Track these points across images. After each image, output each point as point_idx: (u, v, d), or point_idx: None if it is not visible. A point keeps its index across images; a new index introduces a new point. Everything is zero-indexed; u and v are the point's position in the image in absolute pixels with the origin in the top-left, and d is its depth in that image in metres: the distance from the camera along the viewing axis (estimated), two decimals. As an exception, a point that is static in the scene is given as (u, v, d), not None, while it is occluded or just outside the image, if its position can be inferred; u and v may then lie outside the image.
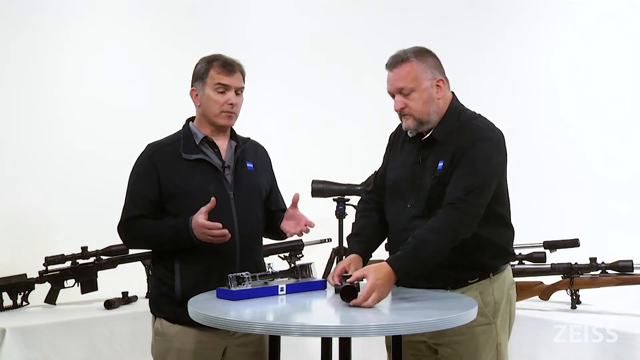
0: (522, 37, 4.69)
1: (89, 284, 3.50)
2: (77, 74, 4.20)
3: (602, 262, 3.16)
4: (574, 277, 3.18)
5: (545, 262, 3.27)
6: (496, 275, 2.34)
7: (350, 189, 3.75)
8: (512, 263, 2.63)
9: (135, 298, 3.55)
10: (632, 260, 3.11)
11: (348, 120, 5.07)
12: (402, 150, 2.44)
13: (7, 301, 3.34)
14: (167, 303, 2.38)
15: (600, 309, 3.18)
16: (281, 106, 4.90)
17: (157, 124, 4.21)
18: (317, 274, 2.46)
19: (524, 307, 3.12)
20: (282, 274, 2.34)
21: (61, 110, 4.13)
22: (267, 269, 2.30)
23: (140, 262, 3.59)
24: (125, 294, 3.50)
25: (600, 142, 4.25)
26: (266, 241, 2.69)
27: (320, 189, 3.71)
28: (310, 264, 2.41)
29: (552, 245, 3.34)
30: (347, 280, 2.12)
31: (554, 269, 3.23)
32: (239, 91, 2.46)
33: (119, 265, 3.54)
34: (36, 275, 3.42)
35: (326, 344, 2.02)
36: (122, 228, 2.45)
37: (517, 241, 2.47)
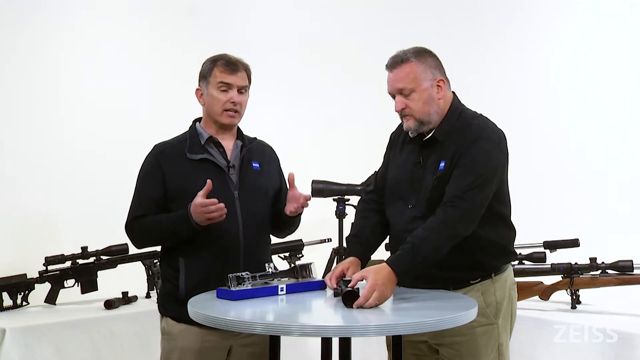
0: (522, 37, 4.69)
1: (89, 284, 3.50)
2: (77, 74, 4.20)
3: (602, 262, 3.16)
4: (574, 277, 3.19)
5: (545, 262, 3.27)
6: (498, 275, 2.34)
7: (350, 189, 3.76)
8: (512, 263, 2.63)
9: (135, 298, 3.55)
10: (632, 260, 3.11)
11: (348, 120, 5.07)
12: (403, 151, 2.44)
13: (7, 301, 3.34)
14: (172, 302, 2.40)
15: (600, 309, 3.18)
16: (281, 106, 4.90)
17: (157, 124, 4.23)
18: (317, 274, 2.46)
19: (524, 307, 3.12)
20: (282, 274, 2.34)
21: (61, 110, 4.13)
22: (267, 268, 2.30)
23: (140, 262, 3.59)
24: (125, 294, 3.50)
25: (600, 142, 4.25)
26: (266, 241, 2.68)
27: (320, 189, 3.71)
28: (310, 264, 2.41)
29: (552, 245, 3.35)
30: (349, 285, 2.12)
31: (554, 269, 3.24)
32: (242, 90, 2.46)
33: (119, 265, 3.54)
34: (36, 275, 3.42)
35: (326, 344, 2.02)
36: (129, 228, 2.47)
37: (517, 241, 2.47)
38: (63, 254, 3.41)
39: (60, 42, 4.16)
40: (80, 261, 3.47)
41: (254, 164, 2.51)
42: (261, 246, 2.52)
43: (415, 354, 2.41)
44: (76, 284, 3.48)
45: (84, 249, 3.44)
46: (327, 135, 5.02)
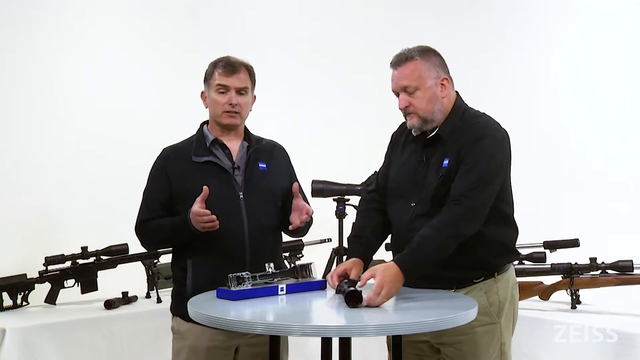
0: (522, 37, 4.69)
1: (89, 284, 3.50)
2: (77, 74, 4.20)
3: (602, 262, 3.16)
4: (574, 277, 3.18)
5: (545, 262, 3.27)
6: (500, 274, 2.34)
7: (350, 189, 3.75)
8: (513, 263, 2.63)
9: (135, 298, 3.55)
10: (632, 260, 3.11)
11: (348, 120, 5.07)
12: (405, 150, 2.45)
13: (7, 301, 3.34)
14: (181, 301, 2.39)
15: (600, 309, 3.18)
16: (281, 106, 4.90)
17: (157, 124, 4.25)
18: (317, 274, 2.47)
19: (524, 307, 3.11)
20: (282, 274, 2.34)
21: (61, 110, 4.13)
22: (267, 268, 2.31)
23: (140, 262, 3.59)
24: (125, 294, 3.50)
25: (600, 142, 4.25)
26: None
27: (320, 189, 3.71)
28: (310, 264, 2.42)
29: (552, 245, 3.34)
30: (357, 285, 2.12)
31: (554, 269, 3.23)
32: (242, 91, 2.48)
33: (119, 265, 3.54)
34: (36, 275, 3.42)
35: (326, 344, 2.02)
36: (137, 231, 2.52)
37: (517, 241, 2.47)
38: (63, 254, 3.41)
39: (60, 42, 4.16)
40: (80, 261, 3.47)
41: (260, 165, 2.52)
42: (269, 246, 2.52)
43: (416, 354, 2.41)
44: (76, 284, 3.48)
45: (84, 249, 3.44)
46: (327, 135, 5.02)
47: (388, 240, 2.53)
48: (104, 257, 3.50)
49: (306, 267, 2.39)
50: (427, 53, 2.34)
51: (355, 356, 2.16)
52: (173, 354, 2.50)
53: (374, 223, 2.48)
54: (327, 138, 5.01)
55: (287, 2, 5.16)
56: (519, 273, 3.21)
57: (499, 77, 4.64)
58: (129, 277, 3.66)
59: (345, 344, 2.11)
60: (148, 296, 3.66)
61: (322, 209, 3.78)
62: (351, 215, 3.75)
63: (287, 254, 3.76)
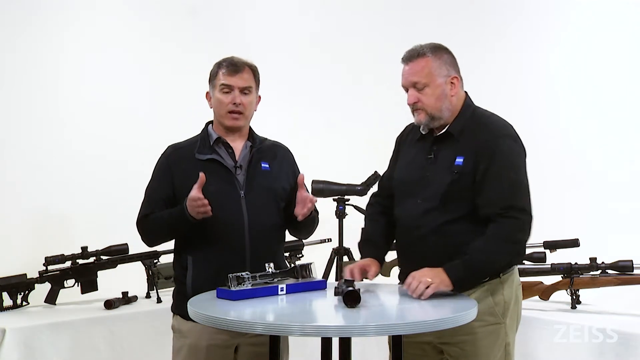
0: (522, 37, 4.69)
1: (89, 284, 3.49)
2: (77, 74, 4.20)
3: (602, 262, 3.16)
4: (574, 277, 3.18)
5: (545, 262, 3.27)
6: (506, 275, 2.34)
7: (350, 189, 3.75)
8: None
9: (135, 298, 3.55)
10: (632, 260, 3.11)
11: (348, 120, 5.07)
12: (412, 149, 2.45)
13: (7, 301, 3.34)
14: (181, 300, 2.41)
15: (600, 309, 3.18)
16: (281, 106, 4.90)
17: (157, 124, 4.25)
18: (317, 274, 2.47)
19: (524, 307, 3.08)
20: (282, 274, 2.34)
21: (61, 110, 4.13)
22: (267, 268, 2.31)
23: (140, 262, 3.59)
24: (125, 294, 3.50)
25: (600, 142, 4.25)
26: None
27: (320, 189, 3.71)
28: (310, 264, 2.42)
29: (552, 245, 3.34)
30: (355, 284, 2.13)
31: (554, 269, 3.23)
32: (245, 90, 2.49)
33: (119, 265, 3.54)
34: (36, 275, 3.42)
35: (326, 344, 2.02)
36: (138, 226, 2.53)
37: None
38: (63, 254, 3.41)
39: (61, 42, 4.16)
40: (80, 261, 3.46)
41: (263, 165, 2.53)
42: (270, 245, 2.52)
43: (418, 354, 2.41)
44: (76, 284, 3.48)
45: (84, 249, 3.44)
46: (327, 135, 5.02)
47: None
48: (104, 257, 3.49)
49: (306, 267, 2.39)
50: (439, 50, 2.35)
51: (355, 356, 2.16)
52: (173, 352, 2.51)
53: (382, 226, 2.50)
54: (327, 138, 5.01)
55: (287, 2, 5.16)
56: (519, 273, 3.21)
57: (499, 77, 4.63)
58: (129, 277, 3.66)
59: (345, 344, 2.11)
60: (148, 296, 3.66)
61: (322, 209, 3.76)
62: (351, 215, 3.75)
63: (287, 254, 3.76)
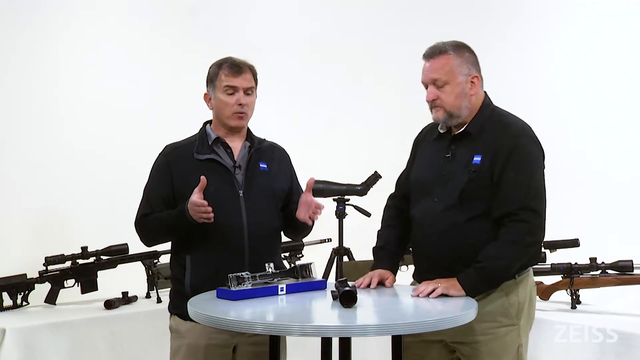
0: (522, 37, 4.69)
1: (89, 284, 3.49)
2: (77, 73, 4.20)
3: (602, 262, 3.16)
4: (574, 277, 3.18)
5: (545, 262, 3.27)
6: (521, 276, 2.33)
7: (350, 189, 3.75)
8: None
9: (135, 298, 3.55)
10: (632, 260, 3.11)
11: (348, 120, 5.07)
12: (429, 148, 2.45)
13: (7, 301, 3.34)
14: (179, 300, 2.41)
15: (600, 309, 3.18)
16: (281, 106, 4.90)
17: (157, 123, 4.25)
18: (317, 274, 2.47)
19: (524, 307, 3.12)
20: (282, 274, 2.34)
21: (61, 110, 4.13)
22: (267, 268, 2.31)
23: (140, 262, 3.59)
24: (125, 294, 3.50)
25: (600, 142, 4.25)
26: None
27: (320, 189, 3.71)
28: (310, 264, 2.42)
29: (552, 245, 3.34)
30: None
31: (554, 269, 3.23)
32: (248, 91, 2.49)
33: (119, 265, 3.54)
34: (36, 275, 3.42)
35: (326, 344, 2.02)
36: (137, 226, 2.52)
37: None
38: (63, 254, 3.41)
39: (60, 42, 4.16)
40: (80, 261, 3.46)
41: (261, 165, 2.53)
42: (268, 245, 2.52)
43: (420, 354, 2.40)
44: (76, 284, 3.48)
45: (84, 249, 3.44)
46: (327, 135, 5.02)
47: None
48: (104, 257, 3.49)
49: (306, 267, 2.40)
50: (461, 49, 2.35)
51: (355, 356, 2.16)
52: (171, 353, 2.50)
53: (399, 232, 2.50)
54: (327, 138, 5.01)
55: (287, 3, 5.16)
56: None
57: (499, 77, 4.59)
58: (129, 277, 3.66)
59: (345, 344, 2.11)
60: (148, 296, 3.66)
61: (322, 209, 3.79)
62: (351, 215, 3.76)
63: (287, 254, 3.76)
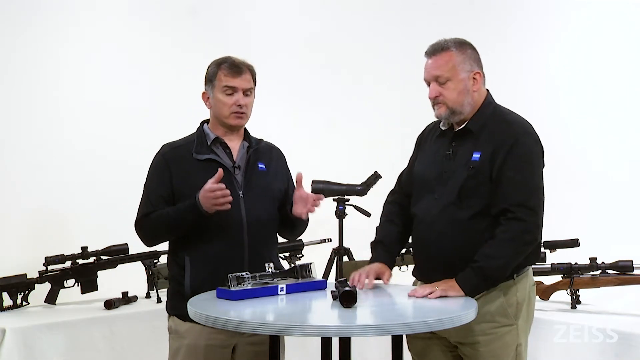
0: (522, 37, 4.69)
1: (89, 284, 3.49)
2: (77, 73, 4.20)
3: (602, 262, 3.16)
4: (574, 277, 3.18)
5: (545, 262, 3.27)
6: (520, 276, 2.33)
7: (350, 189, 3.75)
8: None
9: (135, 298, 3.55)
10: (632, 260, 3.11)
11: (348, 120, 5.07)
12: (432, 146, 2.45)
13: (7, 301, 3.34)
14: (178, 300, 2.40)
15: (600, 309, 3.18)
16: (281, 106, 4.90)
17: (157, 124, 4.25)
18: (317, 274, 2.47)
19: (524, 307, 3.12)
20: (282, 274, 2.34)
21: (61, 110, 4.13)
22: (267, 268, 2.31)
23: (140, 262, 3.59)
24: (125, 294, 3.50)
25: (600, 142, 4.25)
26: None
27: (320, 189, 3.70)
28: (310, 264, 2.42)
29: (552, 245, 3.34)
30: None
31: (554, 269, 3.23)
32: (247, 92, 2.49)
33: (119, 265, 3.54)
34: (36, 275, 3.42)
35: (326, 344, 2.02)
36: (139, 225, 2.49)
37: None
38: (63, 254, 3.41)
39: (60, 42, 4.16)
40: (80, 261, 3.46)
41: (259, 165, 2.53)
42: (267, 246, 2.53)
43: (423, 346, 2.42)
44: (76, 284, 3.48)
45: (84, 249, 3.44)
46: (327, 135, 5.02)
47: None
48: (104, 257, 3.49)
49: (306, 267, 2.39)
50: (463, 45, 2.34)
51: (355, 356, 2.16)
52: (170, 353, 2.49)
53: (399, 228, 2.49)
54: (327, 138, 5.01)
55: (287, 3, 5.16)
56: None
57: (499, 77, 4.59)
58: (129, 277, 3.66)
59: (345, 344, 2.11)
60: (148, 296, 3.66)
61: (322, 209, 3.77)
62: (351, 215, 3.75)
63: (287, 254, 3.77)
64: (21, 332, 3.00)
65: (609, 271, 3.15)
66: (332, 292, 2.17)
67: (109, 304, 3.38)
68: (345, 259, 3.85)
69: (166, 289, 2.70)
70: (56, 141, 4.07)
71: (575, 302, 3.21)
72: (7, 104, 3.94)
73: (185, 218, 2.38)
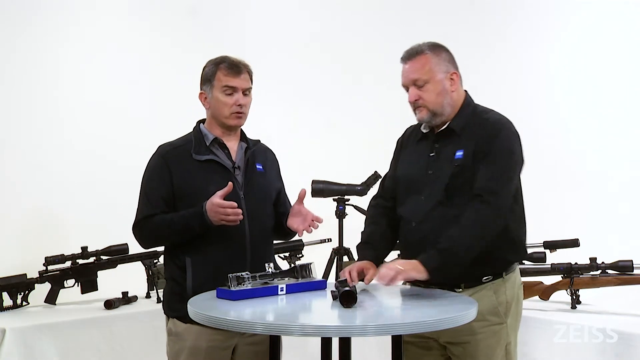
0: (522, 37, 4.69)
1: (89, 284, 3.50)
2: (77, 73, 4.20)
3: (602, 262, 3.16)
4: (574, 277, 3.18)
5: (545, 262, 3.27)
6: (509, 275, 2.35)
7: (350, 189, 3.75)
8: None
9: (135, 298, 3.55)
10: (632, 260, 3.11)
11: (348, 120, 5.07)
12: (414, 148, 2.46)
13: (7, 301, 3.35)
14: (179, 302, 2.37)
15: (600, 309, 3.18)
16: (281, 106, 4.90)
17: (157, 124, 4.25)
18: (317, 274, 2.47)
19: (524, 307, 3.09)
20: (282, 274, 2.34)
21: (61, 110, 4.13)
22: (267, 268, 2.31)
23: (140, 262, 3.59)
24: (125, 294, 3.50)
25: (599, 142, 4.25)
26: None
27: (320, 189, 3.71)
28: (310, 264, 2.42)
29: (552, 245, 3.34)
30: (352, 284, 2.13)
31: (554, 269, 3.23)
32: (246, 91, 2.48)
33: (119, 265, 3.54)
34: (36, 275, 3.42)
35: (326, 344, 2.02)
36: (138, 227, 2.46)
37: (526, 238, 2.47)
38: (63, 254, 3.41)
39: (60, 42, 4.16)
40: (80, 261, 3.47)
41: (257, 166, 2.54)
42: (266, 246, 2.54)
43: (418, 352, 2.41)
44: (76, 284, 3.48)
45: (84, 249, 3.44)
46: (327, 135, 5.02)
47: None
48: (104, 257, 3.50)
49: (306, 267, 2.40)
50: (437, 48, 2.36)
51: (355, 356, 2.16)
52: (170, 356, 2.46)
53: (383, 229, 2.49)
54: (327, 138, 5.01)
55: (287, 3, 5.16)
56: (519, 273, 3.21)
57: (499, 78, 4.63)
58: (129, 277, 3.66)
59: (345, 344, 2.11)
60: (148, 296, 3.66)
61: (322, 209, 3.78)
62: (351, 215, 3.75)
63: (287, 254, 3.77)
64: (21, 332, 3.00)
65: (609, 271, 3.15)
66: (332, 292, 2.17)
67: (109, 304, 3.38)
68: (345, 259, 3.85)
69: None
70: (56, 141, 4.07)
71: (575, 302, 3.21)
72: (7, 104, 3.94)
73: (191, 227, 2.36)
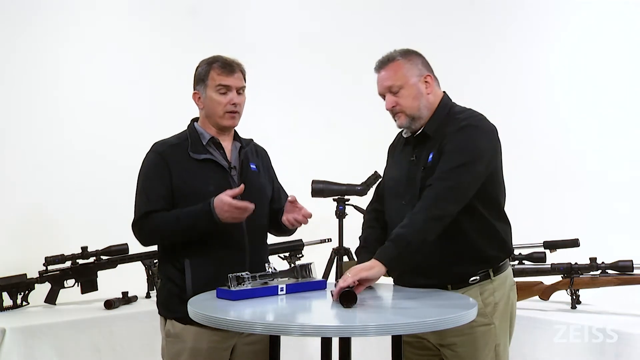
0: (522, 37, 4.69)
1: (89, 284, 3.50)
2: (77, 73, 4.20)
3: (602, 262, 3.16)
4: (574, 277, 3.19)
5: (545, 262, 3.27)
6: (497, 275, 2.34)
7: (350, 189, 3.76)
8: (511, 263, 2.62)
9: (135, 298, 3.55)
10: (632, 260, 3.11)
11: (348, 120, 5.07)
12: (400, 154, 2.48)
13: (7, 301, 3.35)
14: (177, 303, 2.36)
15: (600, 309, 3.18)
16: (281, 106, 4.90)
17: (157, 124, 4.21)
18: (317, 274, 2.46)
19: (524, 307, 3.12)
20: (282, 274, 2.34)
21: (61, 110, 4.13)
22: (267, 268, 2.31)
23: (140, 262, 3.59)
24: (125, 294, 3.50)
25: (599, 142, 4.25)
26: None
27: (320, 189, 3.71)
28: (310, 264, 2.41)
29: (552, 245, 3.34)
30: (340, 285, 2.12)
31: (554, 269, 3.24)
32: (240, 90, 2.48)
33: (119, 265, 3.55)
34: (36, 275, 3.42)
35: (326, 344, 2.02)
36: (138, 224, 2.43)
37: (517, 241, 2.47)
38: (63, 254, 3.41)
39: (60, 42, 4.16)
40: (80, 261, 3.47)
41: (252, 165, 2.54)
42: (263, 246, 2.55)
43: (421, 353, 2.41)
44: (76, 284, 3.48)
45: (84, 249, 3.44)
46: (327, 135, 5.02)
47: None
48: (104, 257, 3.50)
49: (306, 267, 2.39)
50: (409, 53, 2.38)
51: (355, 356, 2.16)
52: (169, 357, 2.44)
53: (378, 232, 2.50)
54: (327, 138, 5.01)
55: (287, 3, 5.16)
56: (519, 273, 3.22)
57: (499, 78, 4.64)
58: (129, 277, 3.66)
59: (345, 344, 2.11)
60: (148, 296, 3.66)
61: (322, 209, 3.79)
62: (351, 215, 3.76)
63: (287, 254, 3.77)
64: (21, 332, 3.00)
65: (609, 271, 3.15)
66: (332, 292, 2.16)
67: (109, 304, 3.38)
68: (345, 259, 3.85)
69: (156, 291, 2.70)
70: (56, 141, 4.07)
71: (575, 302, 3.21)
72: (7, 104, 3.95)
73: (197, 224, 2.34)
